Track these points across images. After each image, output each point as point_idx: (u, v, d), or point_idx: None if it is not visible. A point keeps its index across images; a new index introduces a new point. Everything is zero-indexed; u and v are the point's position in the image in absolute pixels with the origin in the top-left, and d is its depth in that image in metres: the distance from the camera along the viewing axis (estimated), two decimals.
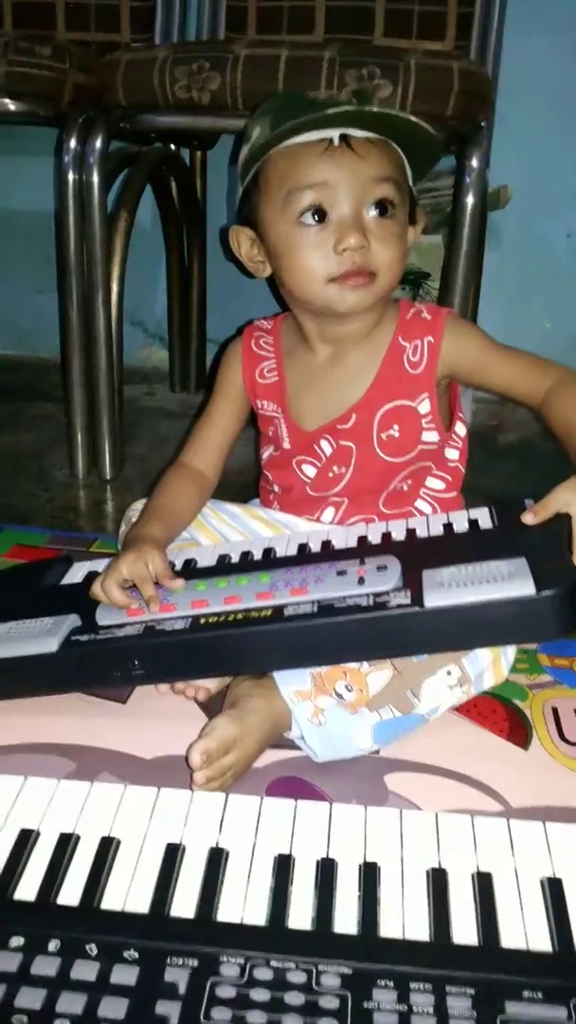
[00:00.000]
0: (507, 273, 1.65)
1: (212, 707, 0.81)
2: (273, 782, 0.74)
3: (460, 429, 0.94)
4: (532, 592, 0.68)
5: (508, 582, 0.70)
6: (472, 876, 0.59)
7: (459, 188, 1.13)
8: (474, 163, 1.10)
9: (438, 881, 0.59)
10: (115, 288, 1.25)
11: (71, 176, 1.20)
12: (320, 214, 0.80)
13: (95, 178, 1.19)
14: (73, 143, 1.18)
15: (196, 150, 1.60)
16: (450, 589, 0.71)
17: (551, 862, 0.61)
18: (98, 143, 1.17)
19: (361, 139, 0.79)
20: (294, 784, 0.74)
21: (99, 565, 0.93)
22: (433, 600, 0.70)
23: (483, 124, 1.15)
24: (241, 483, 1.09)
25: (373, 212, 0.80)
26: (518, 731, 0.80)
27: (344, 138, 0.79)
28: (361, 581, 0.75)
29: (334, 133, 0.79)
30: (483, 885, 0.59)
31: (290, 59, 1.06)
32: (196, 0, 1.49)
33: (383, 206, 0.80)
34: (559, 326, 1.71)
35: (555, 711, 0.83)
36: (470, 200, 1.13)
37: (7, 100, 1.15)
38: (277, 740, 0.77)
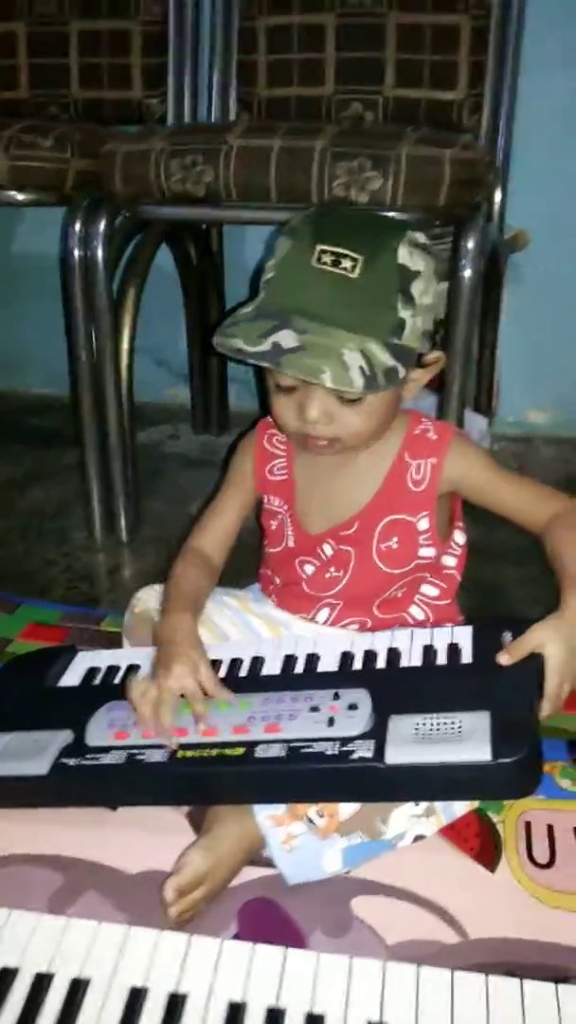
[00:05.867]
0: (530, 313, 1.62)
1: (196, 816, 0.86)
2: (244, 905, 0.78)
3: (459, 537, 0.96)
4: (487, 759, 0.70)
5: (466, 743, 0.72)
6: None
7: (455, 263, 1.12)
8: (470, 244, 1.09)
9: None
10: (124, 362, 1.28)
11: (76, 253, 1.23)
12: (287, 388, 0.83)
13: (99, 259, 1.21)
14: (78, 227, 1.21)
15: None
16: (411, 745, 0.73)
17: (487, 1020, 0.64)
18: (101, 226, 1.19)
19: None
20: (264, 908, 0.78)
21: (100, 659, 0.98)
22: (393, 756, 0.73)
23: (480, 203, 1.13)
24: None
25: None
26: (487, 850, 0.83)
27: None
28: (331, 722, 0.78)
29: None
30: None
31: (282, 150, 1.06)
32: (208, 46, 1.50)
33: (343, 398, 0.81)
34: None
35: (528, 827, 0.85)
36: (467, 274, 1.12)
37: (13, 192, 1.19)
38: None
